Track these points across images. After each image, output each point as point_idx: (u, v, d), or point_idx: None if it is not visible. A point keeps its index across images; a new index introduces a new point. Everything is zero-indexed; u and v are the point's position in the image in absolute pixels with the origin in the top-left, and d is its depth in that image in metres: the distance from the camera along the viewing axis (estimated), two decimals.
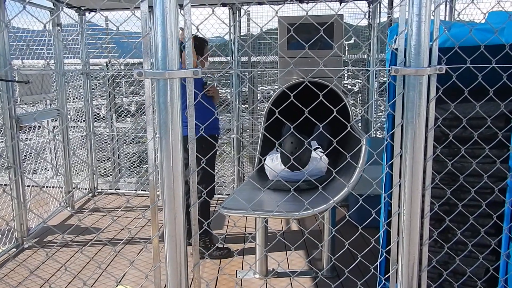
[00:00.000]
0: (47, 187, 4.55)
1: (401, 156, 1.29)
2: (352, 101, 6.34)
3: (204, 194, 2.83)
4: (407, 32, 1.22)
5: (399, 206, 1.30)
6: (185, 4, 1.09)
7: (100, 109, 5.52)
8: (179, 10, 1.08)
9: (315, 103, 1.51)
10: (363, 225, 1.70)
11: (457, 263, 2.13)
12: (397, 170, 1.29)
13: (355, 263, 1.65)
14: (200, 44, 3.38)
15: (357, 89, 6.63)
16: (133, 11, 1.13)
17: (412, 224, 1.29)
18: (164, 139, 1.14)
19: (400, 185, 1.29)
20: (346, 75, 7.97)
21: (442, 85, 1.55)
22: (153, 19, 1.08)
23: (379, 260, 1.85)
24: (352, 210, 2.49)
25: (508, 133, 2.05)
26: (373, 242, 1.57)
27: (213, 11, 1.30)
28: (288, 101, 1.63)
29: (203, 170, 3.25)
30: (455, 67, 1.49)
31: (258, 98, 5.27)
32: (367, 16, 4.46)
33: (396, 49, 1.40)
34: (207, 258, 3.32)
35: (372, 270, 1.58)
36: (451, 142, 2.04)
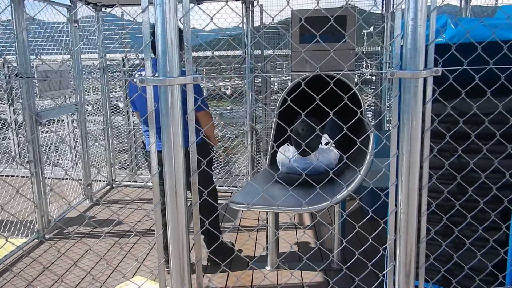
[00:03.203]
0: (66, 179, 4.70)
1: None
2: (371, 91, 6.29)
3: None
4: (402, 35, 1.24)
5: (396, 205, 1.33)
6: (184, 13, 1.13)
7: (119, 101, 5.66)
8: (179, 19, 1.13)
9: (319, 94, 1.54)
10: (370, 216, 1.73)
11: (465, 258, 2.15)
12: (393, 171, 1.32)
13: (363, 248, 1.68)
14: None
15: (374, 79, 6.60)
16: (135, 19, 1.18)
17: (409, 222, 1.32)
18: (166, 143, 1.20)
19: (396, 185, 1.32)
20: (364, 65, 7.90)
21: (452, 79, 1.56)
22: (155, 29, 1.13)
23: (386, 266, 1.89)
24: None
25: None
26: (382, 224, 1.53)
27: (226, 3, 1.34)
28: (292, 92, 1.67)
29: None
30: (464, 63, 1.50)
31: (271, 87, 5.29)
32: (379, 6, 4.42)
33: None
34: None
35: (382, 251, 1.55)
36: (459, 137, 2.05)
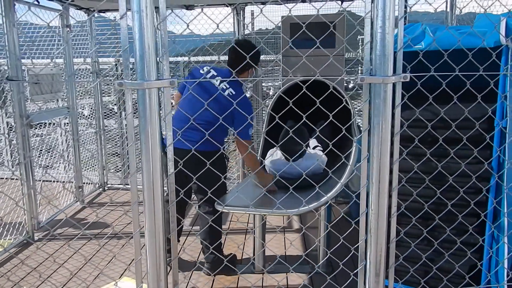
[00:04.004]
0: (57, 181, 4.73)
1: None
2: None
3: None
4: (372, 42, 1.29)
5: (366, 206, 1.38)
6: (161, 20, 1.18)
7: (115, 105, 5.69)
8: (155, 26, 1.18)
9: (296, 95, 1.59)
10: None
11: (442, 260, 2.20)
12: (364, 173, 1.37)
13: (333, 249, 1.74)
14: (257, 53, 3.15)
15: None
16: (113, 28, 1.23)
17: (379, 223, 1.37)
18: (144, 144, 1.24)
19: (367, 187, 1.37)
20: (359, 71, 7.99)
21: (426, 85, 1.62)
22: (133, 34, 1.18)
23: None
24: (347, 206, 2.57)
25: (492, 134, 2.11)
26: (353, 225, 1.56)
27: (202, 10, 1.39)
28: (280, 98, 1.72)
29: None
30: (432, 69, 1.56)
31: (266, 93, 5.35)
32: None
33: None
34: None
35: (353, 251, 1.62)
36: (437, 143, 2.11)
